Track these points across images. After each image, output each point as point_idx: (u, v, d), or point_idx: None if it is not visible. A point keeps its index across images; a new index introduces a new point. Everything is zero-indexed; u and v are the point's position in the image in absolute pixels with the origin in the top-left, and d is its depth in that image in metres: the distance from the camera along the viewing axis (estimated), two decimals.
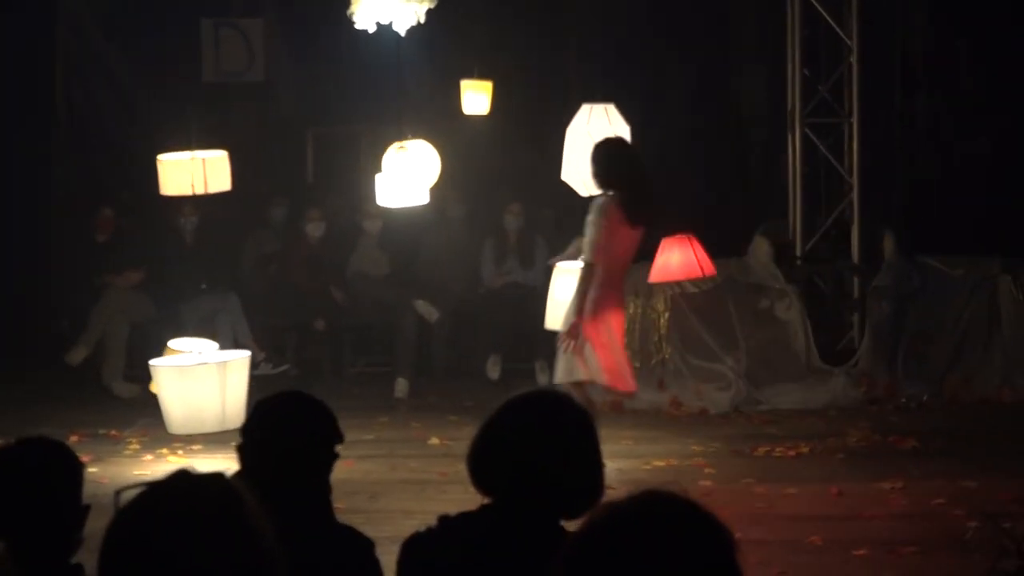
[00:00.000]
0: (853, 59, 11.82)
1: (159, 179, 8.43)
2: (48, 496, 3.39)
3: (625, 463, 8.91)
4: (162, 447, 9.69)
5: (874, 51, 12.28)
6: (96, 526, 3.41)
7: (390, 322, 11.96)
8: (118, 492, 2.23)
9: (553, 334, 8.94)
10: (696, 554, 1.99)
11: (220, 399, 6.35)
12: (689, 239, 9.14)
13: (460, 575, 3.20)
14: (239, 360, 6.75)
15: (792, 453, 9.47)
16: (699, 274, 9.39)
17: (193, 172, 8.20)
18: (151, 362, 7.10)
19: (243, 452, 3.58)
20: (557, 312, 8.73)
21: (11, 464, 3.43)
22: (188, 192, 8.49)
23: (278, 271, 12.47)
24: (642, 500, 2.04)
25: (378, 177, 8.93)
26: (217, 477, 2.19)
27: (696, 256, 9.13)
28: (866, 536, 7.41)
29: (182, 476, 2.18)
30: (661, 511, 2.03)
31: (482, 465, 3.26)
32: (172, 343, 8.20)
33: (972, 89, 13.43)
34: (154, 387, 8.29)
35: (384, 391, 11.61)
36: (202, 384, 6.50)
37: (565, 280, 8.75)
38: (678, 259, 9.20)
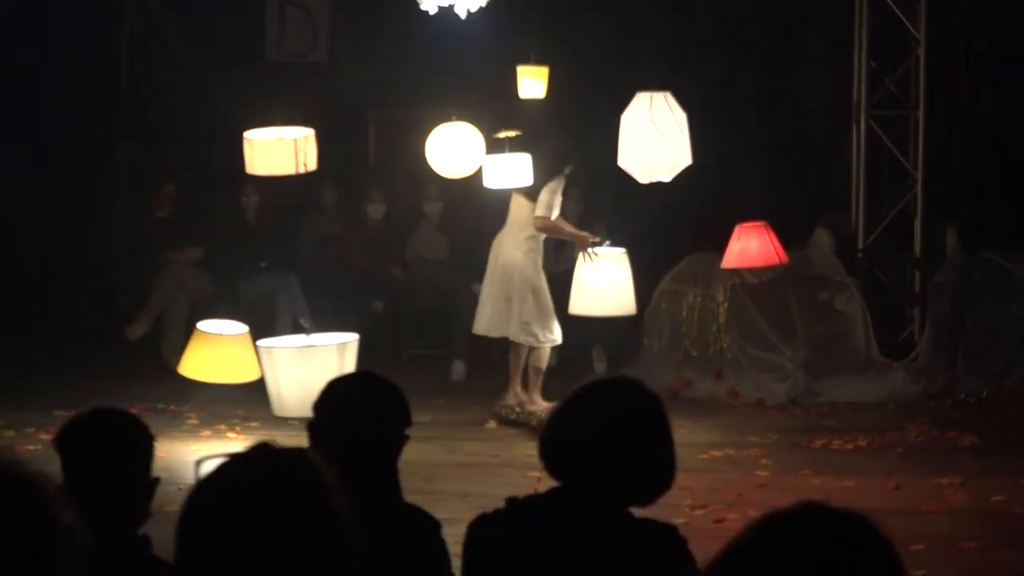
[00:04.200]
0: (920, 52, 11.73)
1: (245, 158, 8.39)
2: (118, 465, 3.41)
3: (681, 451, 8.69)
4: (220, 423, 9.76)
5: (940, 44, 12.18)
6: (157, 500, 3.45)
7: (448, 305, 11.95)
8: (198, 462, 2.24)
9: (609, 321, 8.90)
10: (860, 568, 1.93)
11: None
12: (765, 227, 9.11)
13: (527, 557, 3.20)
14: (353, 343, 6.78)
15: (850, 446, 9.42)
16: (776, 261, 9.35)
17: (284, 151, 8.18)
18: (259, 343, 7.07)
19: (314, 429, 3.59)
20: (582, 296, 8.76)
21: (83, 432, 3.46)
22: (286, 172, 8.44)
23: (338, 252, 12.49)
24: (805, 512, 1.98)
25: (484, 160, 8.90)
26: (298, 451, 2.19)
27: (773, 244, 9.09)
28: (924, 531, 7.35)
29: (263, 448, 2.18)
30: (825, 524, 1.98)
31: (554, 450, 3.25)
32: (201, 324, 8.16)
33: None
34: (183, 368, 8.26)
35: (440, 374, 11.61)
36: (321, 367, 6.49)
37: (592, 265, 8.77)
38: (756, 246, 9.18)
